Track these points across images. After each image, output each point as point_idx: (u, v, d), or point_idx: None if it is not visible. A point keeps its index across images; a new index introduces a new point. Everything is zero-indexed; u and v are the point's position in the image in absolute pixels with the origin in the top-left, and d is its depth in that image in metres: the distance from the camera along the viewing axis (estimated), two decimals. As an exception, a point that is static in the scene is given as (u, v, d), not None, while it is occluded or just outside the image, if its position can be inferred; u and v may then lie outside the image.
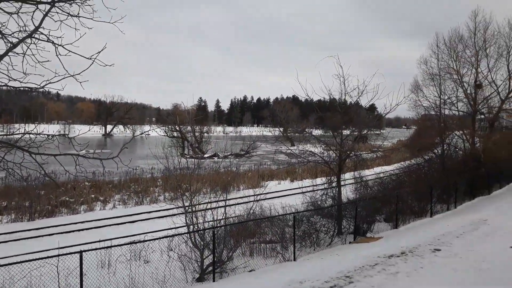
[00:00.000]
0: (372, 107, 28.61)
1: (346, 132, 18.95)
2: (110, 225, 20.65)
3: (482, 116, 27.96)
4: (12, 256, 14.89)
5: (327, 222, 15.98)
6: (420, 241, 11.49)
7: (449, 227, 13.49)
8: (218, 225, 13.20)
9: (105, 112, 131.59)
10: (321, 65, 19.04)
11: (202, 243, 12.20)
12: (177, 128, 65.72)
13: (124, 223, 21.16)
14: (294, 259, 13.42)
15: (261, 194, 16.59)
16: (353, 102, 19.42)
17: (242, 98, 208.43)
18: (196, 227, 12.76)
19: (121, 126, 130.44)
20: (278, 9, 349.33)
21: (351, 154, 17.84)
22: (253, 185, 31.88)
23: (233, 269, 12.53)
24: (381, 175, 30.44)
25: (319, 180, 21.92)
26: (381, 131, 20.54)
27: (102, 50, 7.14)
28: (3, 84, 6.91)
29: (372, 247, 12.85)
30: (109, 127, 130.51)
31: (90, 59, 7.09)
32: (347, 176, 21.27)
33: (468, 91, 27.12)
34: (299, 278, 10.48)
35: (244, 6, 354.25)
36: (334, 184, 17.73)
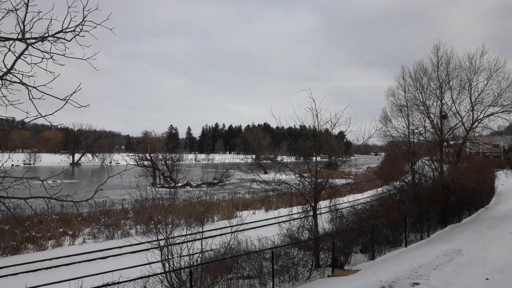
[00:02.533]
0: (341, 135, 29.28)
1: (317, 159, 19.20)
2: (80, 261, 19.76)
3: (450, 144, 28.96)
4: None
5: (305, 255, 15.84)
6: (397, 274, 11.53)
7: (425, 258, 13.63)
8: (195, 261, 12.86)
9: (72, 140, 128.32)
10: (293, 95, 19.42)
11: (178, 282, 11.81)
12: (148, 157, 64.68)
13: (95, 259, 20.31)
14: (273, 295, 13.16)
15: (238, 225, 16.35)
16: (323, 130, 19.86)
17: (213, 126, 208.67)
18: (172, 264, 12.38)
19: (89, 155, 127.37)
20: (249, 41, 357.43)
21: (325, 186, 17.99)
22: (227, 215, 31.49)
23: (210, 308, 12.15)
24: (355, 204, 30.76)
25: (295, 209, 21.94)
26: (351, 157, 20.91)
27: (76, 91, 6.95)
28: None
29: (351, 281, 12.80)
30: (77, 156, 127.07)
31: (64, 100, 6.88)
32: (322, 204, 21.35)
33: (435, 122, 28.09)
34: (280, 317, 10.25)
35: (214, 37, 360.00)
36: (310, 214, 17.74)
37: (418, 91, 28.15)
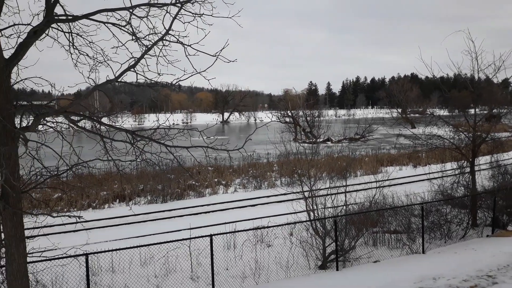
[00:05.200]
0: (506, 82, 25.31)
1: (476, 110, 17.05)
2: (232, 208, 21.78)
3: None
4: (151, 234, 16.64)
5: (459, 212, 14.61)
6: None
7: None
8: (339, 212, 12.95)
9: (221, 100, 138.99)
10: (445, 40, 17.31)
11: (323, 230, 12.09)
12: (289, 114, 66.31)
13: (246, 206, 22.12)
14: (423, 252, 12.58)
15: (383, 180, 15.75)
16: (482, 78, 17.39)
17: (354, 79, 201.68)
18: (316, 214, 12.69)
19: (236, 113, 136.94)
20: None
21: (486, 138, 15.97)
22: (371, 170, 30.67)
23: (356, 259, 12.23)
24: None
25: (448, 166, 20.17)
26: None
27: (224, 47, 7.27)
28: (141, 84, 7.48)
29: (517, 243, 11.37)
30: (226, 114, 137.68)
31: (215, 56, 7.25)
32: (481, 160, 19.13)
33: None
34: (431, 274, 9.76)
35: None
36: (466, 170, 16.09)
37: None
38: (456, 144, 15.99)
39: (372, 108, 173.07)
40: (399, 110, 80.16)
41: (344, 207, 13.98)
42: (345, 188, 14.70)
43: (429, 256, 12.02)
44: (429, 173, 22.81)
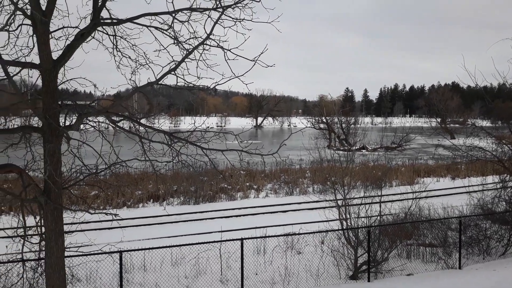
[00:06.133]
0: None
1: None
2: (263, 213, 21.76)
3: None
4: (182, 235, 16.88)
5: (500, 228, 13.99)
6: None
7: None
8: (372, 223, 12.69)
9: (256, 105, 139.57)
10: (490, 48, 16.64)
11: (355, 240, 11.87)
12: (323, 120, 65.69)
13: (277, 212, 22.05)
14: (460, 267, 12.12)
15: (420, 191, 15.31)
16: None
17: (392, 87, 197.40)
18: (349, 223, 12.48)
19: (270, 118, 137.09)
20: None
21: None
22: (407, 181, 29.87)
23: (388, 271, 11.93)
24: None
25: (489, 179, 19.38)
26: None
27: (263, 52, 7.31)
28: (180, 87, 7.62)
29: None
30: (259, 119, 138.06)
31: (253, 60, 7.30)
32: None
33: None
34: (468, 291, 9.37)
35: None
36: (510, 185, 15.40)
37: None
38: (498, 157, 15.35)
39: (410, 116, 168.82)
40: (438, 120, 77.80)
41: (378, 217, 13.66)
42: (380, 198, 14.38)
43: (466, 272, 11.56)
44: (469, 186, 21.94)
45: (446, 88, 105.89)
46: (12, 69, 6.48)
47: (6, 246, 8.21)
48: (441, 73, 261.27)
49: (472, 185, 18.90)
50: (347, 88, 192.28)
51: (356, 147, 58.38)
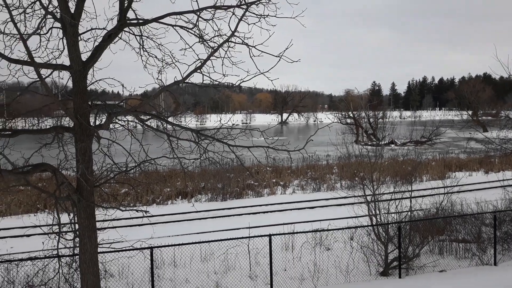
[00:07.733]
0: None
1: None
2: (291, 209, 21.70)
3: None
4: (211, 231, 17.05)
5: (538, 224, 13.45)
6: None
7: None
8: (403, 218, 12.44)
9: (280, 101, 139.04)
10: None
11: (386, 236, 11.67)
12: (350, 115, 64.78)
13: (304, 208, 21.93)
14: (495, 264, 11.74)
15: (453, 186, 14.90)
16: None
17: (421, 80, 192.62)
18: (378, 219, 12.28)
19: (295, 114, 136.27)
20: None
21: None
22: (438, 175, 29.12)
23: (420, 267, 11.67)
24: None
25: (525, 173, 18.67)
26: None
27: (288, 47, 7.27)
28: (206, 85, 7.67)
29: None
30: (284, 115, 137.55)
31: (278, 56, 7.27)
32: None
33: None
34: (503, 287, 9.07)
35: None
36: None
37: None
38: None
39: (440, 109, 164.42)
40: (470, 112, 75.43)
41: (409, 213, 13.39)
42: (410, 193, 14.07)
43: (502, 269, 11.18)
44: (503, 180, 21.17)
45: (477, 79, 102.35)
46: (43, 71, 6.68)
47: (43, 243, 8.49)
48: (471, 65, 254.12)
49: (507, 179, 18.23)
50: (374, 82, 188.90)
51: (385, 142, 57.33)
